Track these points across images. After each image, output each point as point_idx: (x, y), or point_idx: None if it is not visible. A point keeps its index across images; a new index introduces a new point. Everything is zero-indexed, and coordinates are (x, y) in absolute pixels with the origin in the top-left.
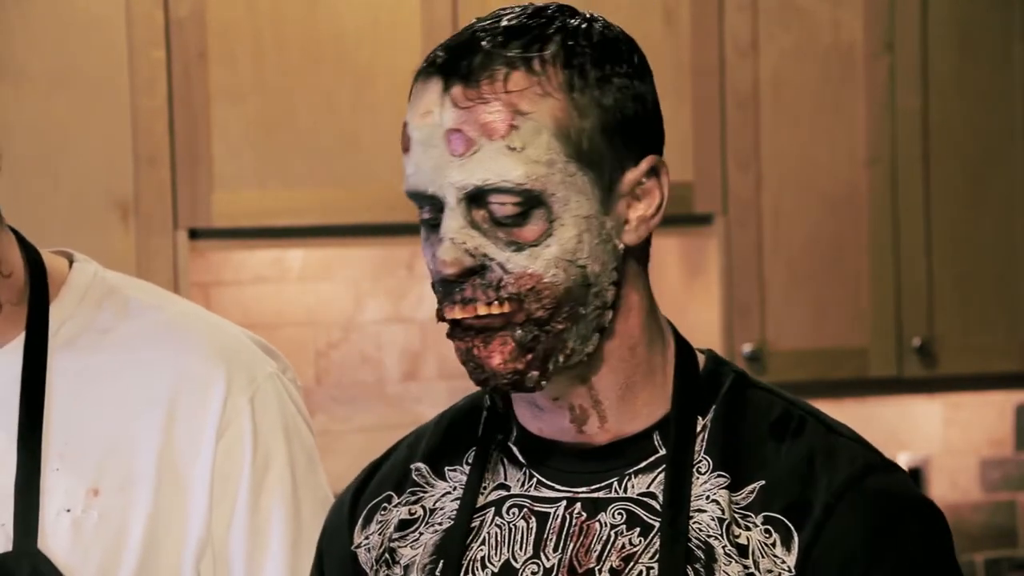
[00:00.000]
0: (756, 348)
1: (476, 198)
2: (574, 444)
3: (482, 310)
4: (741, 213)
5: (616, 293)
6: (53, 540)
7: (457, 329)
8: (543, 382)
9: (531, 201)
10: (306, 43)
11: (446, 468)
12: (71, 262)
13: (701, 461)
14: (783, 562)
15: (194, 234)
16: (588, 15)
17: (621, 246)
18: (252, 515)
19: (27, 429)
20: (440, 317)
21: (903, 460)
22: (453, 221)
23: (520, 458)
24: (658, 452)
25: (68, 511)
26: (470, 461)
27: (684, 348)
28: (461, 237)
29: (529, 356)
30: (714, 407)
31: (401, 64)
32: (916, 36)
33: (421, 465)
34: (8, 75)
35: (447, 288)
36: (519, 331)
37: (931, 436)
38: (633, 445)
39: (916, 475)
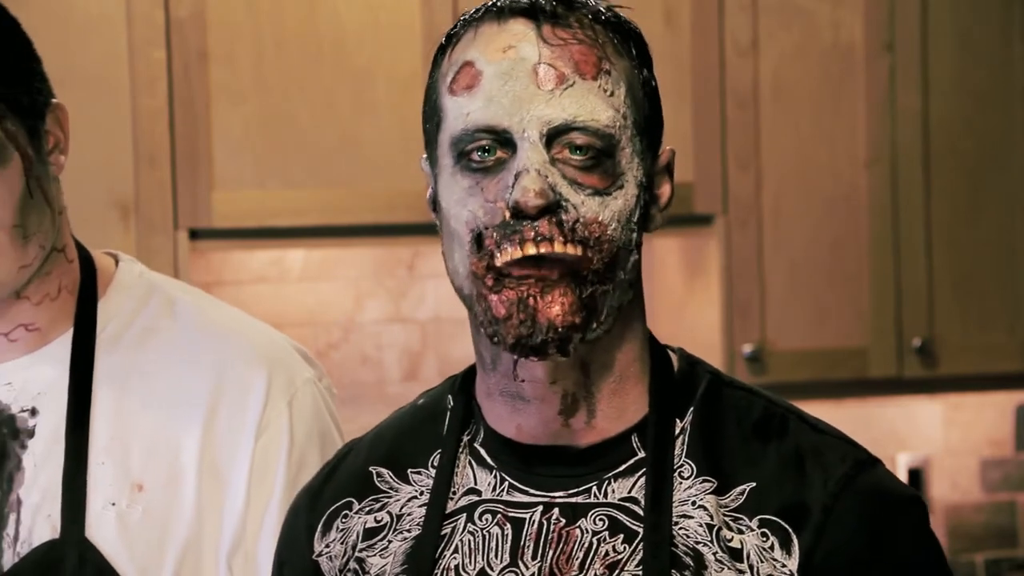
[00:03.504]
0: (756, 348)
1: (557, 135)
2: (550, 447)
3: (558, 248)
4: (741, 213)
5: (636, 274)
6: (98, 533)
7: (508, 279)
8: (580, 345)
9: (607, 149)
10: (306, 43)
11: (409, 471)
12: (116, 262)
13: (683, 466)
14: (784, 566)
15: (194, 234)
16: None
17: (643, 228)
18: (283, 521)
19: (74, 424)
20: (487, 267)
21: (903, 460)
22: (536, 154)
23: (489, 461)
24: (637, 455)
25: (113, 505)
26: (435, 464)
27: (657, 348)
28: (544, 171)
29: (583, 313)
30: (692, 409)
31: (401, 64)
32: (916, 36)
33: (383, 469)
34: None
35: (508, 228)
36: (578, 287)
37: (931, 436)
38: (611, 448)
39: (916, 475)
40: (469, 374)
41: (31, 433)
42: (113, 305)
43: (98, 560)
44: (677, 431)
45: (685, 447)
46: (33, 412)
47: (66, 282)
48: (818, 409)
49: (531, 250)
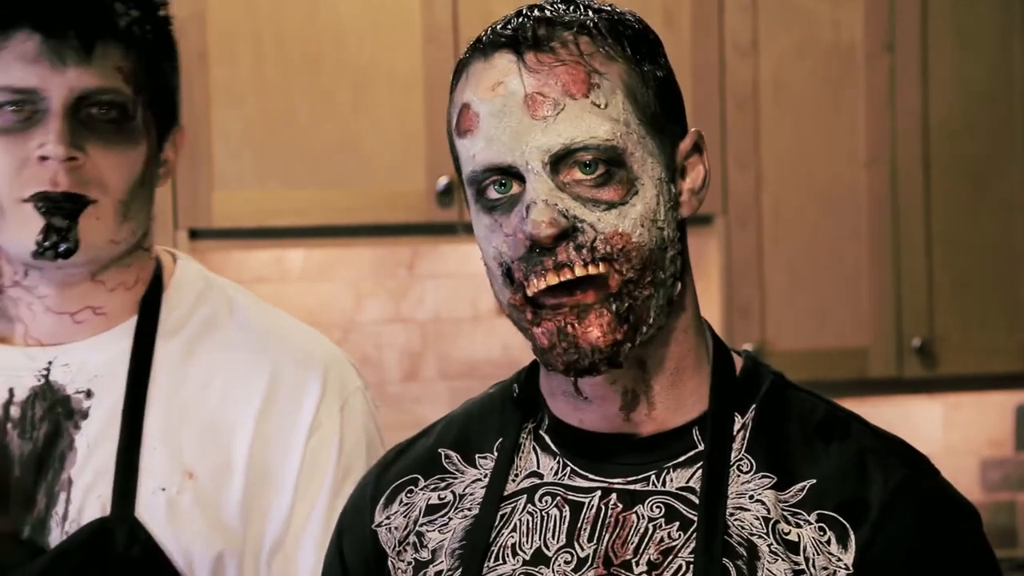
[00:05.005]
0: (756, 348)
1: (561, 160)
2: (614, 435)
3: (579, 271)
4: (741, 213)
5: (681, 264)
6: (148, 516)
7: (545, 310)
8: (630, 355)
9: (615, 160)
10: (306, 43)
11: (476, 456)
12: (174, 259)
13: (742, 460)
14: (839, 560)
15: (194, 234)
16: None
17: (679, 217)
18: (326, 524)
19: (131, 408)
20: (524, 298)
21: None
22: (541, 184)
23: (553, 447)
24: (697, 447)
25: (163, 490)
26: (499, 449)
27: (721, 346)
28: (553, 199)
29: (625, 327)
30: (754, 407)
31: (401, 64)
32: (916, 36)
33: (451, 452)
34: None
35: (531, 260)
36: (613, 304)
37: (931, 436)
38: (673, 439)
39: None
40: (535, 365)
41: (85, 414)
42: (174, 299)
43: (148, 539)
44: (738, 427)
45: (745, 442)
46: (88, 394)
47: (143, 275)
48: None
49: (553, 280)
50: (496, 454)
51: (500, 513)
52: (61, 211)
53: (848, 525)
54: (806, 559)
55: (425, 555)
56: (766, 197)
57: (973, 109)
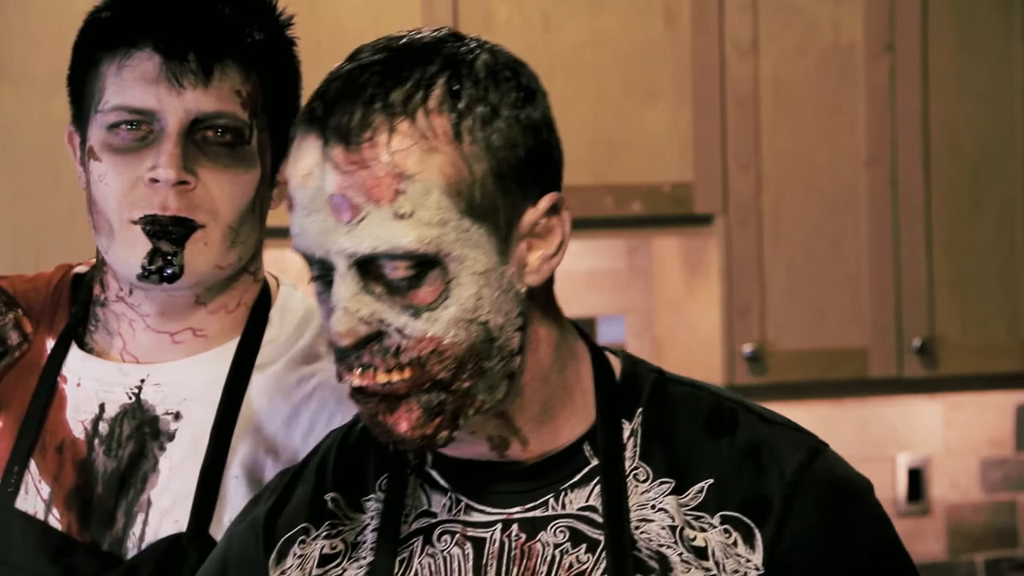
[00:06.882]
0: (756, 348)
1: (366, 263)
2: (499, 463)
3: (382, 378)
4: (741, 213)
5: (522, 337)
6: None
7: (359, 394)
8: (454, 435)
9: (425, 264)
10: (306, 43)
11: (362, 499)
12: (277, 283)
13: (638, 468)
14: (748, 561)
15: None
16: (474, 43)
17: (524, 289)
18: None
19: (218, 434)
20: (339, 379)
21: (903, 460)
22: (345, 289)
23: (442, 483)
24: (590, 463)
25: None
26: (384, 488)
27: (598, 356)
28: (355, 305)
29: (437, 420)
30: (640, 411)
31: None
32: (916, 36)
33: (337, 496)
34: (8, 75)
35: (340, 353)
36: (424, 396)
37: (931, 436)
38: (563, 459)
39: (916, 475)
40: None
41: (171, 436)
42: (275, 328)
43: None
44: (627, 434)
45: (638, 449)
46: (177, 416)
47: (247, 298)
48: (818, 409)
49: (357, 382)
50: (382, 493)
51: (398, 559)
52: (168, 236)
53: (752, 524)
54: (716, 563)
55: None
56: (766, 197)
57: (973, 109)
